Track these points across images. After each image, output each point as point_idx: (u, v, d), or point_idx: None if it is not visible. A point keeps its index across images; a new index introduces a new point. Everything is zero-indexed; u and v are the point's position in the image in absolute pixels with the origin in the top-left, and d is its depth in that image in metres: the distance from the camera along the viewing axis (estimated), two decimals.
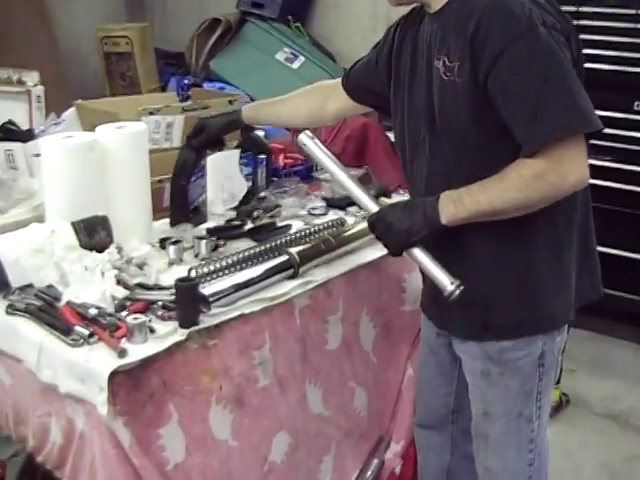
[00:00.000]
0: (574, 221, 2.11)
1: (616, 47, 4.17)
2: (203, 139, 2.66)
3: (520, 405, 2.18)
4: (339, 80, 2.62)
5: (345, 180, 2.23)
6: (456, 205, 1.95)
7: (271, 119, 2.79)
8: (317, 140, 2.31)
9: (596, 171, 3.93)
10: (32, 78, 3.79)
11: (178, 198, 2.66)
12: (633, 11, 4.12)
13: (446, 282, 2.01)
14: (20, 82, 3.80)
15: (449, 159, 2.06)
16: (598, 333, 4.42)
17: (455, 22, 1.99)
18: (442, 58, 2.01)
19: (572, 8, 4.16)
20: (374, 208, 2.13)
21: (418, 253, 2.05)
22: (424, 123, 2.12)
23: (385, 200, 2.33)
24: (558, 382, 3.76)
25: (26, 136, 3.13)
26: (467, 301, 2.04)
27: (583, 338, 4.24)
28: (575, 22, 4.05)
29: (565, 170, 1.87)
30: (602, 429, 3.79)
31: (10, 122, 3.29)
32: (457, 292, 2.00)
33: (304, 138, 2.30)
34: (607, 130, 4.16)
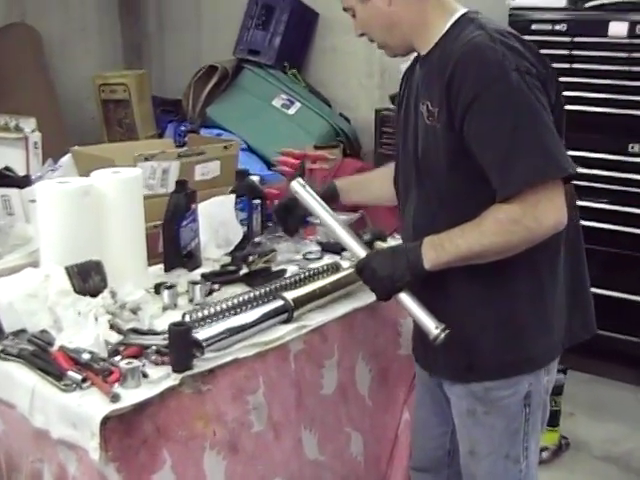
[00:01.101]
0: (558, 263, 2.13)
1: (609, 90, 4.20)
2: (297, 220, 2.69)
3: (506, 445, 2.19)
4: None
5: (335, 227, 2.29)
6: (437, 250, 2.00)
7: (362, 198, 2.77)
8: (309, 187, 2.40)
9: (591, 213, 4.01)
10: (29, 124, 3.82)
11: (171, 243, 2.67)
12: (625, 54, 4.15)
13: (431, 326, 2.05)
14: (17, 128, 3.83)
15: (432, 202, 2.12)
16: (597, 375, 4.40)
17: (437, 67, 2.05)
18: (426, 103, 2.07)
19: (565, 52, 4.21)
20: (361, 254, 2.18)
21: (404, 297, 2.10)
22: (412, 166, 2.18)
23: (380, 245, 2.35)
24: (557, 425, 3.75)
25: (23, 182, 3.14)
26: (450, 343, 2.06)
27: (582, 381, 4.22)
28: (568, 65, 4.13)
29: (540, 214, 1.91)
30: (603, 473, 3.76)
31: (7, 168, 3.30)
32: (442, 336, 2.04)
33: (296, 185, 2.40)
34: (602, 172, 4.23)
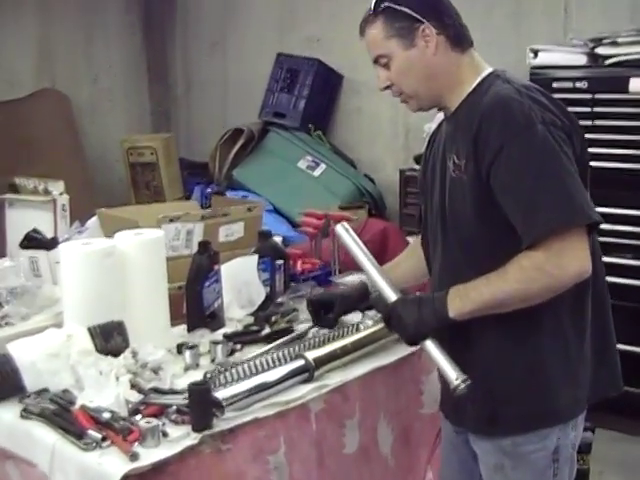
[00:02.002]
0: (584, 317, 2.13)
1: (632, 146, 4.21)
2: (338, 314, 2.70)
3: None
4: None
5: (372, 271, 2.34)
6: (462, 299, 2.04)
7: None
8: (352, 232, 2.46)
9: (616, 269, 3.98)
10: (57, 187, 3.86)
11: (194, 303, 2.69)
12: None
13: (452, 376, 2.07)
14: (46, 191, 3.86)
15: (458, 254, 2.15)
16: (626, 434, 4.33)
17: (464, 122, 2.11)
18: (452, 157, 2.13)
19: (586, 109, 4.23)
20: (392, 298, 2.22)
21: (429, 345, 2.13)
22: (439, 220, 2.21)
23: None
24: None
25: (50, 244, 3.18)
26: (476, 395, 2.08)
27: (611, 439, 4.15)
28: (590, 122, 4.14)
29: (564, 262, 1.93)
30: None
31: (35, 230, 3.34)
32: (462, 387, 2.04)
33: (340, 229, 2.48)
34: (627, 228, 4.21)
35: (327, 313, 2.69)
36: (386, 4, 2.16)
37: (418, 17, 2.14)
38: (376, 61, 2.22)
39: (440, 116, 2.36)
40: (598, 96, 4.29)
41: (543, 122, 1.97)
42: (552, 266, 1.93)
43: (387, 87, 2.24)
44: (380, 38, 2.18)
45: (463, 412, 2.23)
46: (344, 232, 2.46)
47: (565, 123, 2.04)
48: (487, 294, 2.01)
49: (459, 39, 2.18)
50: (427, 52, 2.15)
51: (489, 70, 2.19)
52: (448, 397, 2.28)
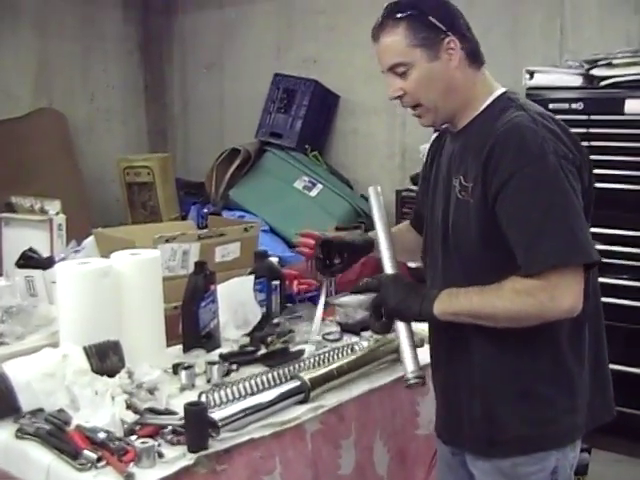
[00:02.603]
0: (581, 343, 2.12)
1: (627, 167, 4.23)
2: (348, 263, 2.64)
3: None
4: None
5: (382, 241, 2.34)
6: (451, 299, 2.06)
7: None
8: (381, 197, 2.48)
9: (611, 289, 3.98)
10: (54, 207, 3.87)
11: (189, 323, 2.69)
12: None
13: (409, 368, 2.11)
14: (42, 211, 3.88)
15: (459, 274, 2.14)
16: (622, 455, 4.32)
17: (474, 143, 2.09)
18: (459, 177, 2.11)
19: (582, 130, 4.20)
20: (388, 271, 2.26)
21: (401, 327, 2.16)
22: (439, 237, 2.21)
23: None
24: None
25: (46, 263, 3.18)
26: (474, 416, 2.10)
27: (607, 460, 4.14)
28: (586, 143, 4.15)
29: (558, 294, 1.93)
30: None
31: (31, 250, 3.34)
32: (413, 382, 2.10)
33: (372, 190, 2.49)
34: (622, 249, 4.21)
35: (332, 260, 2.65)
36: (410, 11, 2.09)
37: (443, 28, 2.09)
38: (391, 69, 2.14)
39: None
40: (594, 117, 4.30)
41: (555, 154, 1.96)
42: (546, 297, 1.93)
43: (398, 97, 2.18)
44: (402, 46, 2.10)
45: (461, 433, 2.22)
46: (374, 194, 2.46)
47: (576, 156, 2.03)
48: (477, 304, 2.01)
49: (476, 55, 2.16)
50: (450, 66, 2.11)
51: (501, 90, 2.17)
52: (445, 418, 2.29)
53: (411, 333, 2.15)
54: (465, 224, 2.09)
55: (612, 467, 4.22)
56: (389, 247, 2.32)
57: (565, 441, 2.13)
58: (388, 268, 2.26)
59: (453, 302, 2.05)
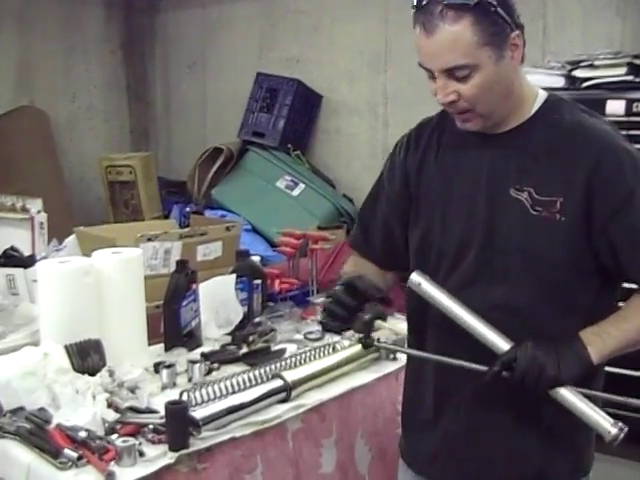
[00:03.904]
0: None
1: None
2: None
3: None
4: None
5: (469, 319, 1.90)
6: (602, 338, 1.82)
7: None
8: (429, 278, 1.97)
9: None
10: (35, 205, 3.85)
11: (171, 322, 2.69)
12: (624, 132, 4.15)
13: (606, 425, 1.80)
14: (24, 209, 3.86)
15: (523, 297, 1.89)
16: (619, 457, 4.31)
17: (547, 152, 1.88)
18: (526, 189, 1.87)
19: None
20: (505, 347, 1.84)
21: (567, 394, 1.82)
22: (474, 259, 1.94)
23: (382, 324, 2.05)
24: None
25: (27, 262, 3.18)
26: (523, 454, 1.97)
27: (603, 462, 4.13)
28: None
29: None
30: None
31: (12, 248, 3.34)
32: (621, 435, 1.78)
33: (417, 277, 1.97)
34: None
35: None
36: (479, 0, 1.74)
37: (509, 20, 1.79)
38: (448, 71, 1.80)
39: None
40: None
41: None
42: None
43: (453, 102, 1.85)
44: (469, 44, 1.76)
45: (484, 473, 2.03)
46: (423, 279, 1.97)
47: None
48: (632, 330, 1.84)
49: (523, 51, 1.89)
50: (513, 65, 1.85)
51: (544, 92, 1.97)
52: (461, 461, 2.05)
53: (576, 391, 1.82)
54: (546, 244, 1.85)
55: (607, 469, 4.22)
56: (484, 323, 1.88)
57: (588, 469, 2.08)
58: (501, 345, 1.85)
59: (607, 341, 1.82)
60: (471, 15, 1.74)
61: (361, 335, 2.04)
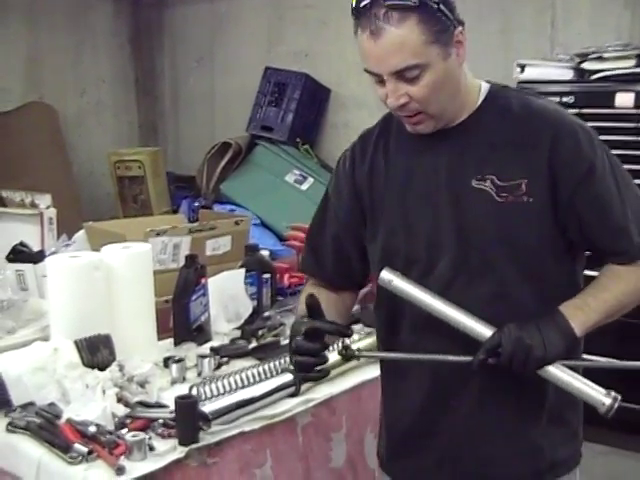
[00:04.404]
0: None
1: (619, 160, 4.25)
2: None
3: None
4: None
5: (448, 310, 1.84)
6: (584, 310, 1.81)
7: None
8: (400, 274, 1.90)
9: None
10: (45, 201, 3.86)
11: (180, 317, 2.69)
12: (632, 125, 4.20)
13: (599, 397, 1.78)
14: (33, 205, 3.87)
15: (510, 285, 1.86)
16: (612, 447, 4.34)
17: (503, 138, 1.86)
18: (488, 177, 1.84)
19: None
20: (488, 333, 1.79)
21: (556, 371, 1.79)
22: (453, 257, 1.88)
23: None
24: None
25: (37, 257, 3.18)
26: (538, 443, 1.94)
27: (597, 452, 4.15)
28: None
29: None
30: None
31: (22, 244, 3.34)
32: (616, 405, 1.75)
33: (388, 274, 1.89)
34: None
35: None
36: None
37: (451, 17, 1.77)
38: (397, 73, 1.77)
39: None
40: (584, 110, 4.29)
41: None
42: None
43: (403, 105, 1.81)
44: (417, 44, 1.73)
45: (496, 473, 1.97)
46: (394, 276, 1.89)
47: None
48: (611, 299, 1.83)
49: None
50: (458, 62, 1.82)
51: (486, 83, 1.94)
52: (476, 458, 1.97)
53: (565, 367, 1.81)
54: (519, 228, 1.83)
55: (600, 459, 4.23)
56: (463, 312, 1.84)
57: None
58: (485, 332, 1.80)
59: (589, 314, 1.81)
60: (416, 15, 1.71)
61: (341, 349, 1.98)
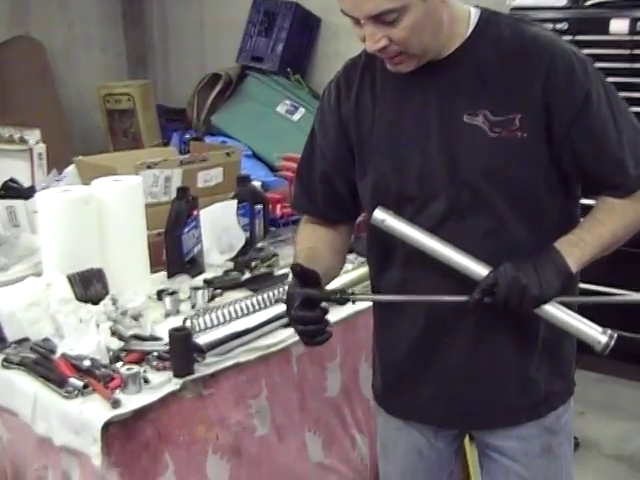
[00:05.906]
0: None
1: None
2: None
3: (572, 469, 2.07)
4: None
5: (443, 249, 1.81)
6: (580, 247, 1.78)
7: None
8: (393, 213, 1.86)
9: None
10: (34, 136, 3.83)
11: (173, 249, 2.69)
12: (627, 51, 4.16)
13: (596, 335, 1.76)
14: (22, 140, 3.84)
15: (508, 222, 1.83)
16: (606, 374, 4.37)
17: (496, 69, 1.78)
18: (481, 112, 1.78)
19: None
20: (484, 272, 1.77)
21: (553, 310, 1.78)
22: (441, 187, 1.83)
23: None
24: None
25: (28, 193, 3.16)
26: (530, 376, 1.92)
27: (591, 380, 4.18)
28: None
29: None
30: (613, 471, 3.73)
31: (12, 180, 3.33)
32: (612, 343, 1.75)
33: (381, 214, 1.85)
34: None
35: None
36: None
37: None
38: (375, 17, 1.69)
39: None
40: (578, 37, 4.24)
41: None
42: None
43: (384, 47, 1.73)
44: None
45: (494, 406, 1.96)
46: (388, 215, 1.85)
47: None
48: (607, 234, 1.80)
49: None
50: None
51: (475, 9, 1.84)
52: (473, 395, 1.96)
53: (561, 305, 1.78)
54: (513, 164, 1.78)
55: (597, 387, 4.28)
56: (458, 251, 1.80)
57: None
58: (480, 270, 1.77)
59: (584, 249, 1.78)
60: None
61: (336, 295, 1.88)
